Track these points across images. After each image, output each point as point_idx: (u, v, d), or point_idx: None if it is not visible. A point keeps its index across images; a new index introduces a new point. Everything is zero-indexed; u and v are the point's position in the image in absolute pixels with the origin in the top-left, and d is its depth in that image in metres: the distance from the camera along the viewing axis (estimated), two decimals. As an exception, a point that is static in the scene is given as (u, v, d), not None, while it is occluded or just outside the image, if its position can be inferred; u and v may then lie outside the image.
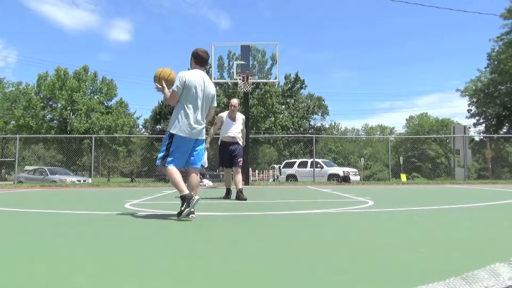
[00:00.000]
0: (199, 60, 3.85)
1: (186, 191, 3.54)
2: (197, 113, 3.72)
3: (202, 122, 3.79)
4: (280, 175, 23.05)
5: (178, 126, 3.68)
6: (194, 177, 3.84)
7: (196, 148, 3.82)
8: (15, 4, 68.64)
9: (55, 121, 37.40)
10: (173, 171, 3.66)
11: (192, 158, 3.82)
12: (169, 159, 3.69)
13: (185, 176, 3.89)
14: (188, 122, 3.68)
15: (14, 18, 72.37)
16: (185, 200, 3.46)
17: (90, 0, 79.05)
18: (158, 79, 3.81)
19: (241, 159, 6.35)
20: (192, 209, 3.49)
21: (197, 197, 3.54)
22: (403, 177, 19.64)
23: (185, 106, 3.70)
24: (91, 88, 38.70)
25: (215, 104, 3.95)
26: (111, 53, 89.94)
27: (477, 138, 32.36)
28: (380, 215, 4.02)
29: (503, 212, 4.39)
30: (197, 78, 3.75)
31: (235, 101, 6.37)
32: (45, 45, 78.55)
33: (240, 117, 6.48)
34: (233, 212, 4.35)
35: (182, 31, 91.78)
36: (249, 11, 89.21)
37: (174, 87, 3.69)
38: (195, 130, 3.71)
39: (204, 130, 3.86)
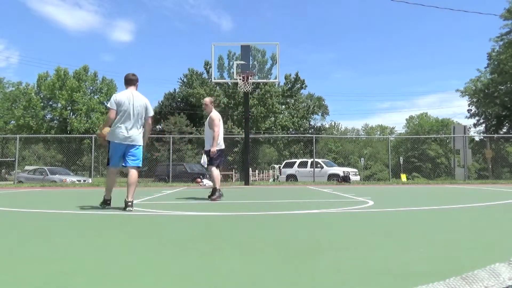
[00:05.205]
0: (126, 81, 4.81)
1: (107, 197, 4.84)
2: (128, 122, 4.54)
3: (134, 130, 4.58)
4: (280, 175, 23.00)
5: (113, 135, 4.55)
6: (130, 175, 4.61)
7: (131, 151, 4.61)
8: (18, 5, 68.61)
9: (55, 121, 37.45)
10: (111, 171, 4.77)
11: (128, 159, 4.62)
12: (111, 161, 4.68)
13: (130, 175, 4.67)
14: (121, 131, 4.53)
15: (17, 19, 72.21)
16: (104, 201, 4.87)
17: (93, 1, 78.88)
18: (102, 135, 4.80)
19: (209, 158, 6.13)
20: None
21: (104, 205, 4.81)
22: (403, 177, 19.61)
23: (118, 118, 4.55)
24: (91, 88, 38.75)
25: (151, 114, 4.73)
26: (113, 54, 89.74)
27: (477, 138, 32.35)
28: (380, 215, 4.02)
29: (503, 212, 4.39)
30: (125, 95, 4.62)
31: (205, 100, 6.27)
32: (47, 46, 78.08)
33: (209, 117, 6.22)
34: (232, 212, 4.35)
35: (184, 32, 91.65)
36: (251, 12, 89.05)
37: (108, 105, 4.69)
38: (127, 137, 4.54)
39: (139, 137, 4.64)
